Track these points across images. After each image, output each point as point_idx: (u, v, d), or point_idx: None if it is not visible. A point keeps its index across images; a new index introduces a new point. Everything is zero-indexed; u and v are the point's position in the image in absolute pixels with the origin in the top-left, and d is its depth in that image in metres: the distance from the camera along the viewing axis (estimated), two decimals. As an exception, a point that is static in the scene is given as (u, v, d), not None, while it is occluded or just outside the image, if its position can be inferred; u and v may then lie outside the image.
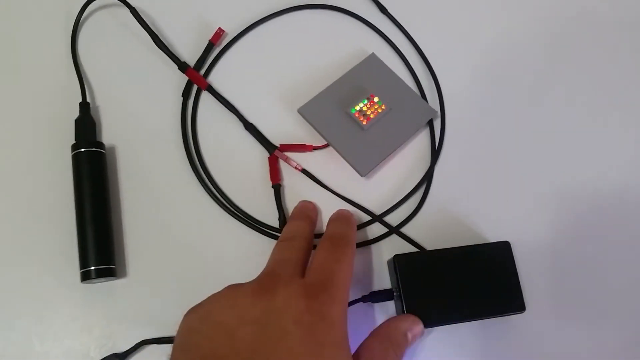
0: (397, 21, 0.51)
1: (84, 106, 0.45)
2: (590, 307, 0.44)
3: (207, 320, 0.32)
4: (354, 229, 0.41)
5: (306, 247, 0.39)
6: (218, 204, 0.45)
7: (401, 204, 0.46)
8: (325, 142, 0.46)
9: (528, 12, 0.53)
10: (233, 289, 0.34)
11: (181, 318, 0.33)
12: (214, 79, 0.48)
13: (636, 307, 0.44)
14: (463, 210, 0.46)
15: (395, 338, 0.37)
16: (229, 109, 0.47)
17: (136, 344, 0.40)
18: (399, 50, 0.51)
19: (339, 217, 0.42)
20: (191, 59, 0.48)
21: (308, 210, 0.44)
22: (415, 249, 0.44)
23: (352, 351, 0.34)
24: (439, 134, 0.48)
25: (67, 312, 0.42)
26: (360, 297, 0.42)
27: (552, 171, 0.48)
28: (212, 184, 0.45)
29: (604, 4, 0.54)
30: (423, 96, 0.49)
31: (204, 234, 0.44)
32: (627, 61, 0.52)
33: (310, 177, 0.46)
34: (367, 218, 0.45)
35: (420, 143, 0.48)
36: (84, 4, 0.48)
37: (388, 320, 0.38)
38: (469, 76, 0.50)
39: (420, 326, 0.39)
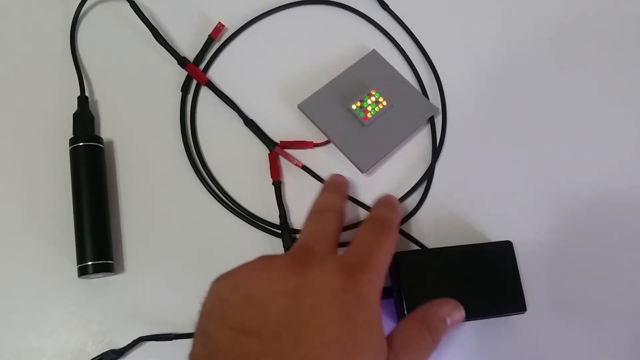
0: (398, 17, 0.51)
1: (83, 100, 0.45)
2: (592, 308, 0.44)
3: (238, 291, 0.31)
4: (399, 216, 0.40)
5: (338, 220, 0.38)
6: (218, 201, 0.44)
7: (402, 202, 0.45)
8: (325, 139, 0.46)
9: (530, 9, 0.53)
10: (267, 261, 0.33)
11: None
12: (214, 74, 0.48)
13: (638, 308, 0.44)
14: (464, 208, 0.46)
15: (432, 322, 0.35)
16: (228, 105, 0.47)
17: (134, 341, 0.40)
18: (400, 46, 0.50)
19: (385, 202, 0.41)
20: (190, 54, 0.48)
21: (339, 184, 0.43)
22: (415, 247, 0.44)
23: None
24: (440, 131, 0.48)
25: (64, 307, 0.41)
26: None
27: (555, 170, 0.47)
28: (211, 181, 0.45)
29: (609, 1, 0.53)
30: (424, 93, 0.49)
31: (203, 231, 0.44)
32: (630, 60, 0.51)
33: (311, 174, 0.45)
34: (368, 215, 0.45)
35: (421, 140, 0.47)
36: (83, -3, 0.47)
37: (426, 304, 0.37)
38: (470, 73, 0.50)
39: (460, 312, 0.37)
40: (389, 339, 0.33)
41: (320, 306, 0.29)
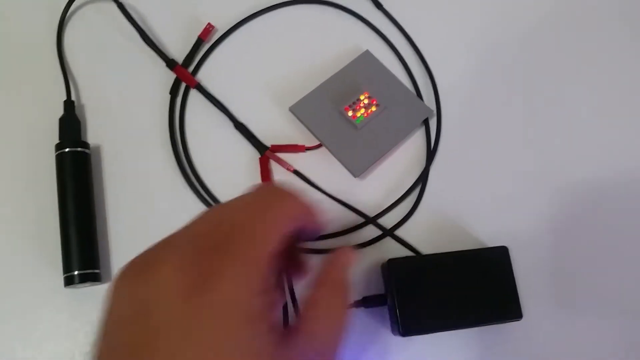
0: (392, 17, 0.50)
1: (69, 104, 0.44)
2: (590, 313, 0.43)
3: (106, 318, 0.25)
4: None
5: None
6: (207, 207, 0.43)
7: (395, 206, 0.45)
8: (318, 142, 0.45)
9: (525, 7, 0.52)
10: (120, 275, 0.25)
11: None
12: (203, 76, 0.47)
13: (636, 313, 0.43)
14: (459, 212, 0.45)
15: (337, 280, 0.29)
16: (218, 108, 0.46)
17: (121, 351, 0.39)
18: (394, 47, 0.49)
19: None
20: (179, 56, 0.47)
21: None
22: (409, 253, 0.43)
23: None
24: (435, 134, 0.47)
25: (50, 317, 0.40)
26: (352, 301, 0.41)
27: (552, 172, 0.46)
28: (200, 186, 0.44)
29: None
30: (419, 95, 0.48)
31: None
32: (627, 54, 0.50)
33: (302, 179, 0.44)
34: (361, 220, 0.44)
35: (415, 143, 0.46)
36: (70, -1, 0.46)
37: (324, 265, 0.30)
38: (466, 74, 0.49)
39: (350, 254, 0.31)
40: (298, 317, 0.28)
41: (159, 326, 0.22)
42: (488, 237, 0.44)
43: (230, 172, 0.44)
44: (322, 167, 0.45)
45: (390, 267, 0.40)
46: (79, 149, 0.42)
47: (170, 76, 0.46)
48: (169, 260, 0.24)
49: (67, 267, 0.39)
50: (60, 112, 0.44)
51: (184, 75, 0.46)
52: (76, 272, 0.39)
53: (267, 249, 0.25)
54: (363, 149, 0.44)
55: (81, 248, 0.40)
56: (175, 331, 0.22)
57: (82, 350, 0.40)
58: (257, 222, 0.26)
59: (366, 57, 0.48)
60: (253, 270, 0.24)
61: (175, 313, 0.22)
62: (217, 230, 0.25)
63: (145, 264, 0.24)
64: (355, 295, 0.41)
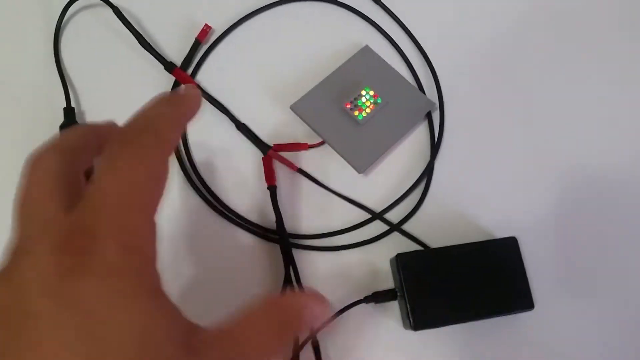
0: (390, 11, 0.50)
1: (69, 111, 0.44)
2: (602, 301, 0.43)
3: None
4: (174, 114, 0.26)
5: (64, 161, 0.25)
6: (212, 208, 0.43)
7: (401, 201, 0.44)
8: (320, 140, 0.45)
9: (525, -4, 0.51)
10: None
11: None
12: (202, 78, 0.47)
13: (648, 299, 0.43)
14: (466, 204, 0.44)
15: (287, 316, 0.26)
16: (219, 109, 0.45)
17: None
18: (393, 41, 0.49)
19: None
20: (178, 58, 0.47)
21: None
22: (418, 247, 0.43)
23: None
24: (439, 127, 0.46)
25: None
26: (362, 297, 0.41)
27: (559, 161, 0.46)
28: (204, 188, 0.44)
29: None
30: (420, 88, 0.47)
31: (198, 239, 0.42)
32: (633, 44, 0.50)
33: (306, 177, 0.44)
34: (367, 216, 0.44)
35: (419, 137, 0.46)
36: (66, 5, 0.46)
37: (281, 295, 0.28)
38: (468, 65, 0.49)
39: (322, 307, 0.27)
40: (222, 331, 0.25)
41: (29, 312, 0.20)
42: (496, 228, 0.44)
43: (234, 172, 0.44)
44: (326, 164, 0.45)
45: (399, 262, 0.39)
46: (81, 156, 0.42)
47: (170, 79, 0.46)
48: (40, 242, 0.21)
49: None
50: (60, 119, 0.43)
51: (183, 77, 0.45)
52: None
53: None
54: (366, 145, 0.44)
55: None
56: (52, 315, 0.19)
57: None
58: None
59: (366, 52, 0.47)
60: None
61: (52, 294, 0.20)
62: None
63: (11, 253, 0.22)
64: (365, 291, 0.41)
